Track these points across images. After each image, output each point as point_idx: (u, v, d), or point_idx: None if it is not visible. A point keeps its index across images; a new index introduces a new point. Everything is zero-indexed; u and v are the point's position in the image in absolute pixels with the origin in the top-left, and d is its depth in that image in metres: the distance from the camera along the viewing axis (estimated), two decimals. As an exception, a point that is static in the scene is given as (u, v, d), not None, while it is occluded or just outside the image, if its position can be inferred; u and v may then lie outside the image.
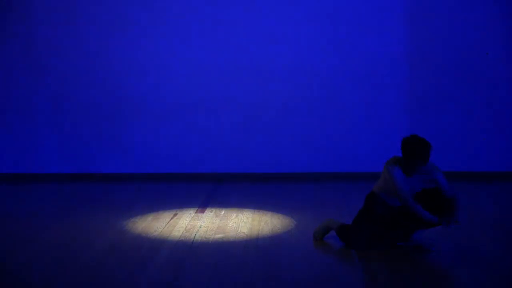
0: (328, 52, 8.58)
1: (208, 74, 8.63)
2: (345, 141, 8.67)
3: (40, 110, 8.68)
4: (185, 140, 8.71)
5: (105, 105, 8.68)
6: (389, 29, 8.54)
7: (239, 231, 5.93)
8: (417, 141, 5.13)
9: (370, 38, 8.56)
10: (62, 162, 8.74)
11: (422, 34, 8.55)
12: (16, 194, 7.91)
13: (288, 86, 8.62)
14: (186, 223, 6.20)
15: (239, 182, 8.50)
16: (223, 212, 6.70)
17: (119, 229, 6.02)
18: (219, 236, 5.77)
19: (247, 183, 8.44)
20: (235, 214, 6.60)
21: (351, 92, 8.62)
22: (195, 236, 5.73)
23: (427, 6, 8.54)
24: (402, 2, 8.52)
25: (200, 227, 6.07)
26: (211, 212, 6.73)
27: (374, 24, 8.54)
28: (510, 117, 8.62)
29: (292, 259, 5.07)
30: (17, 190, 8.16)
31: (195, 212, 6.69)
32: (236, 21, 8.57)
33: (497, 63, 8.55)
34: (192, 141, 8.70)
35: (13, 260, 5.13)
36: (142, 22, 8.57)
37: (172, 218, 6.43)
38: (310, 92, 8.63)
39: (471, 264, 4.90)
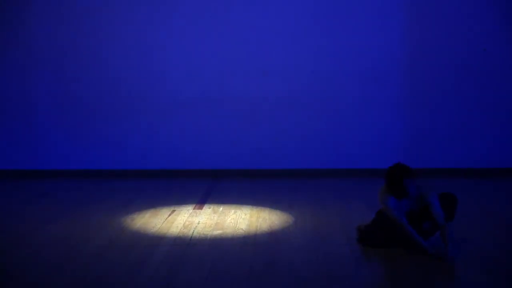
0: (326, 49, 8.57)
1: (207, 71, 8.62)
2: (344, 138, 8.66)
3: (40, 108, 8.67)
4: (183, 137, 8.70)
5: (103, 102, 8.67)
6: (388, 26, 8.53)
7: (237, 227, 5.93)
8: (392, 170, 5.11)
9: (368, 35, 8.55)
10: (60, 159, 8.74)
11: (421, 31, 8.55)
12: (15, 191, 7.90)
13: (287, 83, 8.62)
14: (184, 220, 6.20)
15: (237, 178, 8.50)
16: (221, 209, 6.70)
17: (118, 225, 6.02)
18: (217, 232, 5.76)
19: (245, 179, 8.43)
20: (233, 211, 6.59)
21: (350, 90, 8.62)
22: (193, 233, 5.73)
23: (426, 3, 8.53)
24: (401, -1, 8.53)
25: (198, 223, 6.07)
26: (209, 208, 6.72)
27: (373, 21, 8.53)
28: (506, 113, 8.62)
29: (290, 255, 5.07)
30: (16, 186, 8.15)
31: (193, 209, 6.69)
32: (234, 19, 8.56)
33: (494, 60, 8.55)
34: (190, 137, 8.70)
35: (11, 256, 5.12)
36: (141, 20, 8.55)
37: (170, 214, 6.42)
38: (309, 89, 8.62)
39: (471, 262, 4.90)
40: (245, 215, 6.41)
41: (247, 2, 8.55)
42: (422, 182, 5.25)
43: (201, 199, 7.19)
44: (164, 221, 6.14)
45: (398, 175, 5.09)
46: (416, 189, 5.16)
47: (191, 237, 5.61)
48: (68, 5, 8.55)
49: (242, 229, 5.87)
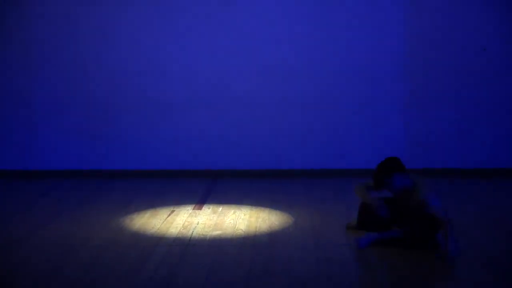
0: (326, 49, 8.56)
1: (206, 71, 8.61)
2: (344, 138, 8.66)
3: (39, 108, 8.67)
4: (183, 137, 8.69)
5: (103, 102, 8.66)
6: (386, 26, 8.52)
7: (236, 228, 5.92)
8: (376, 167, 5.45)
9: (367, 36, 8.54)
10: (60, 159, 8.73)
11: (419, 31, 8.53)
12: (14, 191, 7.90)
13: (286, 83, 8.61)
14: (184, 220, 6.19)
15: (236, 178, 8.49)
16: (220, 209, 6.69)
17: (117, 225, 6.01)
18: (216, 233, 5.76)
19: (245, 179, 8.43)
20: (232, 211, 6.59)
21: (349, 90, 8.60)
22: (192, 233, 5.72)
23: (425, 3, 8.52)
24: (400, -1, 8.52)
25: (198, 224, 6.06)
26: (208, 208, 6.72)
27: (371, 21, 8.52)
28: (506, 113, 8.61)
29: (289, 256, 5.06)
30: (15, 186, 8.14)
31: (193, 209, 6.68)
32: (234, 19, 8.56)
33: (494, 59, 8.54)
34: (190, 138, 8.69)
35: (11, 256, 5.12)
36: (141, 20, 8.55)
37: (169, 214, 6.42)
38: (309, 89, 8.61)
39: (471, 263, 4.90)
40: (244, 215, 6.41)
41: (246, 2, 8.54)
42: (419, 178, 5.28)
43: (200, 200, 7.18)
44: (163, 222, 6.13)
45: (378, 173, 5.35)
46: (412, 185, 5.25)
47: (191, 237, 5.60)
48: (68, 5, 8.54)
49: (241, 229, 5.86)
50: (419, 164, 8.35)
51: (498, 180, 8.27)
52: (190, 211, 6.60)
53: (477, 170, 8.63)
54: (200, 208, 6.72)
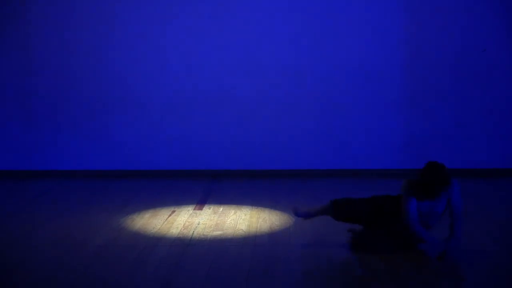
0: (326, 50, 8.57)
1: (206, 72, 8.61)
2: (343, 138, 8.66)
3: (37, 108, 8.67)
4: (183, 137, 8.70)
5: (102, 103, 8.66)
6: (387, 26, 8.52)
7: (237, 228, 5.93)
8: (430, 176, 5.02)
9: (367, 36, 8.54)
10: (59, 159, 8.73)
11: (419, 31, 8.54)
12: (14, 191, 7.89)
13: (287, 83, 8.61)
14: (184, 220, 6.19)
15: (237, 179, 8.49)
16: (221, 209, 6.69)
17: (117, 226, 6.02)
18: (217, 233, 5.76)
19: (245, 180, 8.43)
20: (233, 211, 6.59)
21: (349, 90, 8.61)
22: (193, 233, 5.73)
23: (424, 3, 8.52)
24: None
25: (198, 224, 6.06)
26: (209, 209, 6.72)
27: (371, 21, 8.53)
28: (506, 114, 8.62)
29: (290, 256, 5.07)
30: (15, 187, 8.14)
31: (193, 209, 6.69)
32: (234, 18, 8.56)
33: (494, 60, 8.54)
34: (190, 138, 8.69)
35: (10, 256, 5.12)
36: (140, 20, 8.55)
37: (170, 215, 6.42)
38: (309, 90, 8.62)
39: (471, 263, 4.90)
40: (245, 215, 6.41)
41: (247, 3, 8.55)
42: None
43: (201, 200, 7.18)
44: (164, 222, 6.14)
45: (435, 184, 4.93)
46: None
47: (191, 237, 5.60)
48: (67, 4, 8.54)
49: (242, 229, 5.87)
50: (419, 164, 8.30)
51: (498, 180, 8.27)
52: (191, 211, 6.60)
53: (477, 170, 8.63)
54: (200, 209, 6.73)
